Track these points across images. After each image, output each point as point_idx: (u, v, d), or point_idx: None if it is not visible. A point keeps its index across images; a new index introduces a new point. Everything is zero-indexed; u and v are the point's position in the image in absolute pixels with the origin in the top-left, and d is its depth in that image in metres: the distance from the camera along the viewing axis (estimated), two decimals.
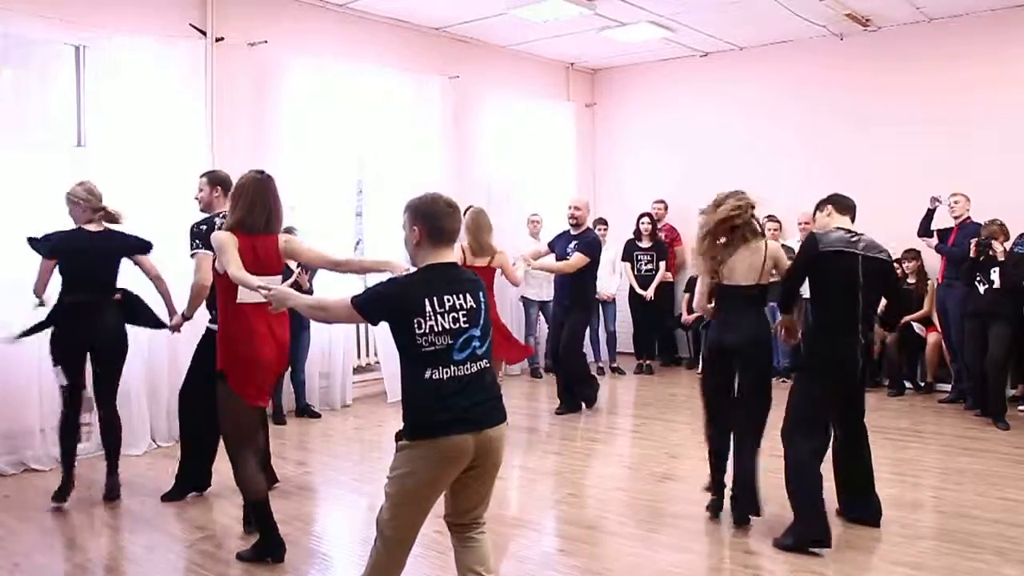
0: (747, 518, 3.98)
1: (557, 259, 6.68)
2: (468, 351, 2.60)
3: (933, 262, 7.18)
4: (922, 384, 7.39)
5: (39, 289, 4.41)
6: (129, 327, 4.64)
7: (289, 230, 6.17)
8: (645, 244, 8.59)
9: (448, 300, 2.58)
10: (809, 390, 3.81)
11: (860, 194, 7.80)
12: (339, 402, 6.92)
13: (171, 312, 4.63)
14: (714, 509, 4.10)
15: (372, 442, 5.97)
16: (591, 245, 6.55)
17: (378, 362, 7.39)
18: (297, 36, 6.73)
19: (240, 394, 3.49)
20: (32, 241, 4.44)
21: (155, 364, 5.63)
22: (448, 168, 7.75)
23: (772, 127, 8.59)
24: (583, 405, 6.77)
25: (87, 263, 4.42)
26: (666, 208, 8.93)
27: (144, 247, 4.61)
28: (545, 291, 7.98)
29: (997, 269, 6.12)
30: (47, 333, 4.43)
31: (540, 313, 8.32)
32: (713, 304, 4.02)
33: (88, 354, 4.47)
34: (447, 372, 2.56)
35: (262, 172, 3.66)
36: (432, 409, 2.54)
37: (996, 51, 7.36)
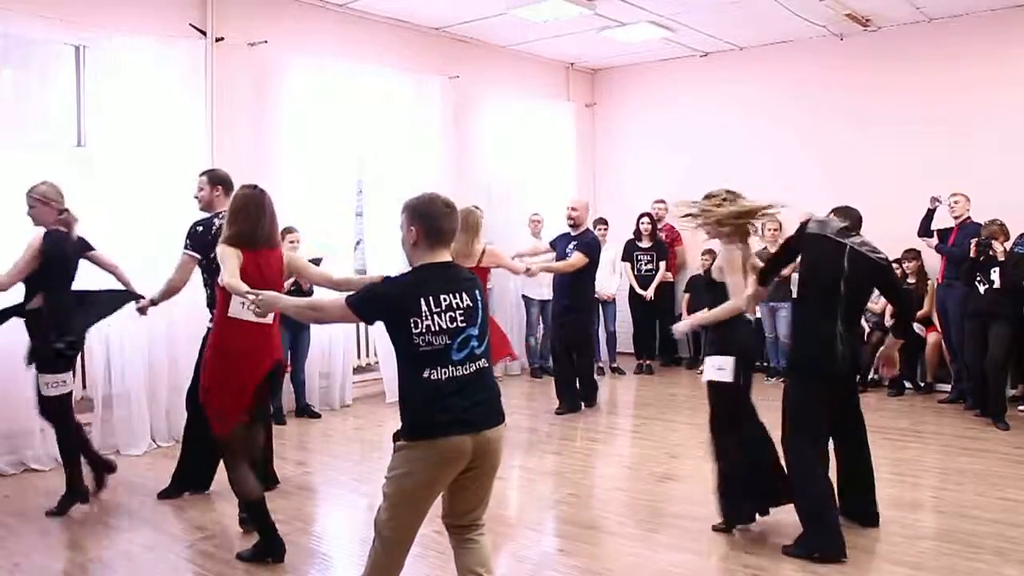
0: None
1: (557, 259, 6.70)
2: (466, 351, 2.59)
3: (933, 262, 7.18)
4: (922, 384, 7.39)
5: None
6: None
7: (289, 230, 6.22)
8: (645, 244, 8.59)
9: (444, 299, 2.57)
10: (799, 390, 3.77)
11: (860, 194, 7.86)
12: (339, 402, 6.92)
13: (136, 295, 4.58)
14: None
15: (372, 442, 5.97)
16: (590, 246, 6.57)
17: (378, 362, 7.39)
18: (297, 36, 6.73)
19: (217, 413, 3.51)
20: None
21: (155, 364, 5.63)
22: (448, 168, 7.75)
23: (772, 127, 8.58)
24: (583, 404, 6.79)
25: (70, 266, 4.36)
26: (666, 208, 8.92)
27: (90, 244, 4.55)
28: (546, 290, 7.98)
29: (997, 269, 6.12)
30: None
31: (540, 313, 8.32)
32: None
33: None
34: (445, 372, 2.55)
35: (255, 187, 3.63)
36: (430, 410, 2.53)
37: (996, 51, 7.36)
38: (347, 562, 3.77)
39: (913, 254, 7.27)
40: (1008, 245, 6.22)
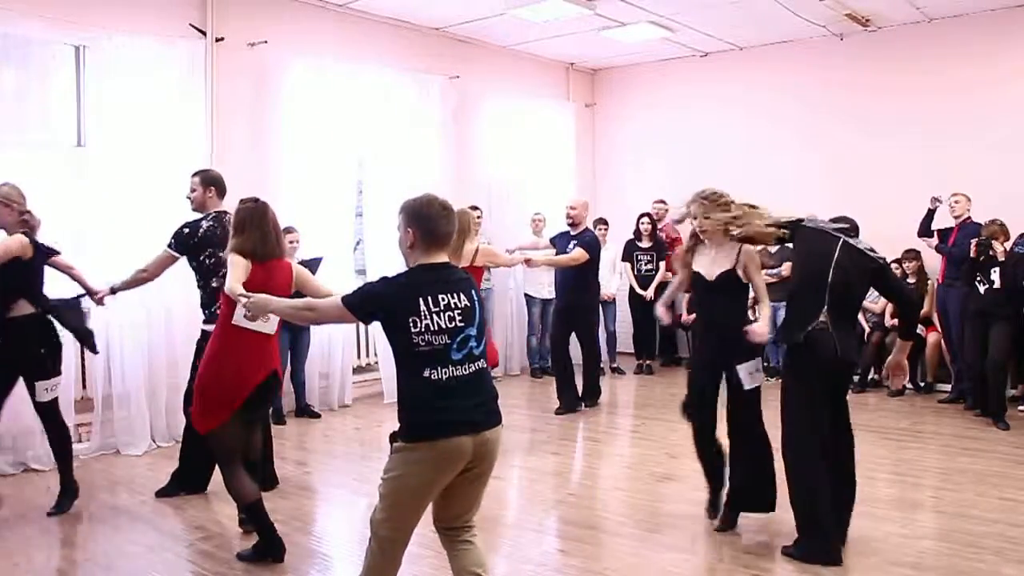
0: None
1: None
2: (465, 351, 2.59)
3: (933, 262, 7.18)
4: (922, 384, 7.38)
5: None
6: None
7: (289, 230, 6.22)
8: (645, 244, 8.59)
9: (443, 299, 2.57)
10: (793, 388, 3.66)
11: (860, 194, 7.91)
12: (338, 402, 6.92)
13: (90, 290, 4.51)
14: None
15: (372, 442, 5.96)
16: (590, 244, 6.58)
17: (377, 362, 7.38)
18: (297, 36, 6.73)
19: (200, 412, 3.52)
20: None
21: (154, 365, 5.63)
22: (448, 168, 7.76)
23: (772, 127, 8.58)
24: (583, 404, 6.79)
25: (40, 274, 4.31)
26: (667, 208, 8.92)
27: (54, 250, 4.45)
28: (547, 290, 7.98)
29: (997, 269, 6.12)
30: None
31: (542, 312, 8.31)
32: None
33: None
34: (446, 372, 2.54)
35: (256, 200, 3.64)
36: (431, 410, 2.53)
37: (996, 51, 7.36)
38: (347, 562, 3.76)
39: (913, 254, 7.27)
40: (1008, 245, 6.22)
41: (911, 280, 7.31)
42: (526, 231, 8.32)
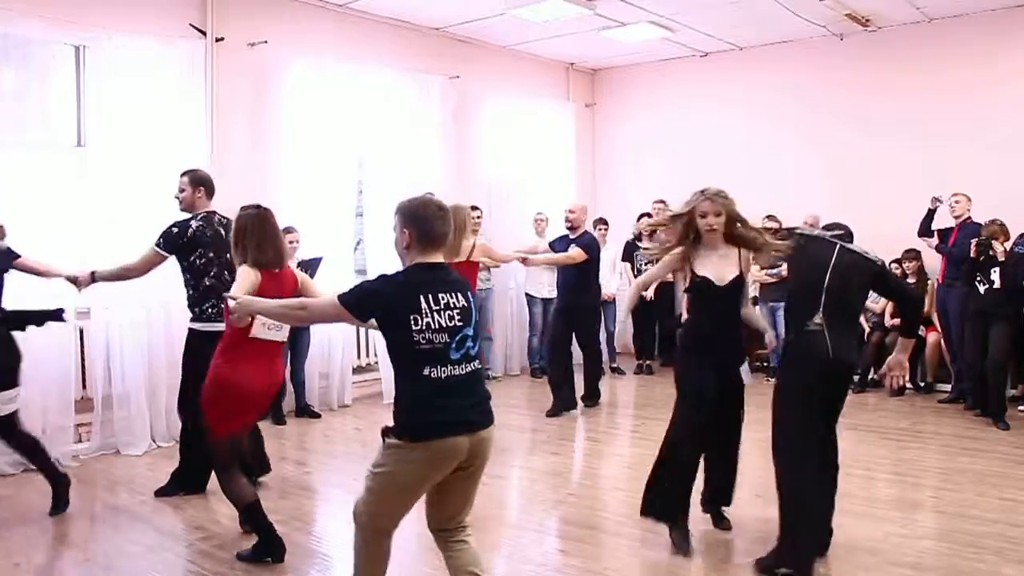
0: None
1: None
2: (463, 351, 2.60)
3: (933, 262, 7.18)
4: (922, 384, 7.39)
5: None
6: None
7: (289, 230, 6.22)
8: (645, 244, 8.58)
9: (443, 298, 2.58)
10: (785, 389, 3.54)
11: (860, 194, 7.92)
12: (338, 402, 6.92)
13: (69, 277, 4.49)
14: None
15: (372, 442, 5.93)
16: (588, 245, 6.56)
17: (377, 362, 7.38)
18: (297, 36, 6.73)
19: (209, 419, 3.53)
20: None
21: (154, 365, 5.63)
22: (448, 168, 7.76)
23: (772, 127, 8.59)
24: (583, 403, 6.78)
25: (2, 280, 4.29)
26: (666, 208, 8.92)
27: (15, 252, 4.42)
28: (547, 289, 7.98)
29: (997, 269, 6.12)
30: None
31: (543, 312, 8.31)
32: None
33: None
34: (444, 371, 2.55)
35: (259, 207, 3.64)
36: (430, 409, 2.53)
37: (996, 51, 7.36)
38: (347, 562, 3.73)
39: (913, 254, 7.27)
40: (1008, 245, 6.22)
41: (911, 280, 7.31)
42: (527, 231, 8.33)
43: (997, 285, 6.12)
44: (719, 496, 3.99)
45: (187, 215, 4.45)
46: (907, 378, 3.95)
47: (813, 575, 3.36)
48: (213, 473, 4.44)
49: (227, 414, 3.52)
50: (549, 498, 4.67)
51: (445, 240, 2.69)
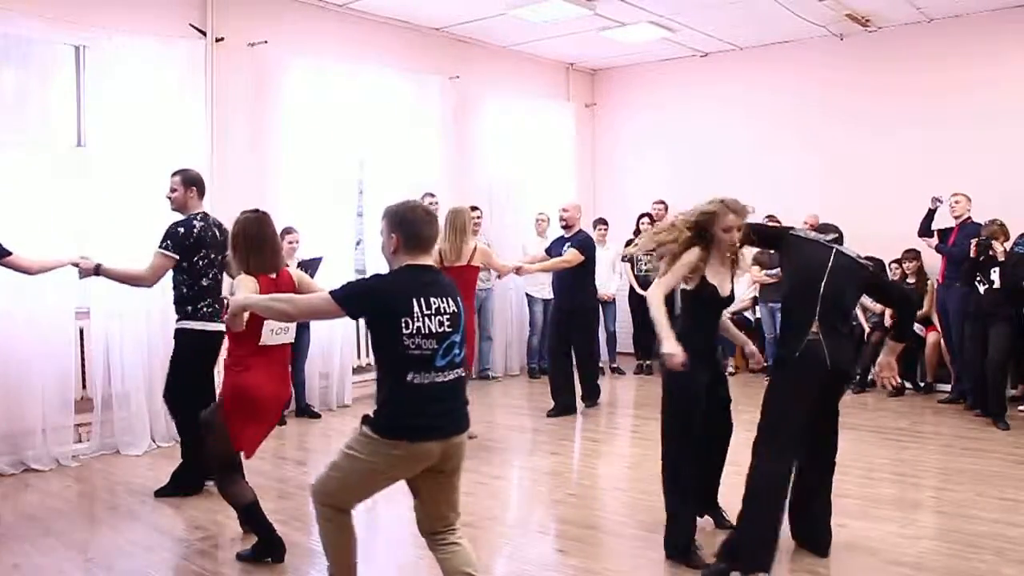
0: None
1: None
2: (449, 357, 2.62)
3: (933, 262, 7.18)
4: (922, 384, 7.39)
5: None
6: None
7: (288, 230, 6.22)
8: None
9: (434, 303, 2.59)
10: (780, 390, 3.50)
11: (860, 194, 7.91)
12: (338, 402, 6.92)
13: (72, 263, 4.42)
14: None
15: None
16: (583, 244, 6.52)
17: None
18: (297, 36, 6.73)
19: (233, 436, 3.51)
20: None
21: (154, 365, 5.62)
22: (448, 168, 7.76)
23: (772, 127, 8.59)
24: (584, 404, 6.77)
25: None
26: (666, 208, 8.91)
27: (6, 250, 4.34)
28: (547, 289, 7.97)
29: (997, 269, 6.12)
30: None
31: (544, 312, 8.31)
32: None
33: None
34: (428, 377, 2.57)
35: (257, 210, 3.61)
36: (407, 413, 2.57)
37: (996, 51, 7.36)
38: None
39: (913, 254, 7.27)
40: (1008, 245, 6.22)
41: (911, 280, 7.32)
42: (527, 231, 8.33)
43: (997, 285, 6.12)
44: (712, 497, 3.96)
45: (183, 215, 4.44)
46: (898, 378, 3.90)
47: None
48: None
49: (247, 424, 3.53)
50: (549, 498, 4.67)
51: (432, 244, 2.72)
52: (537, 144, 8.88)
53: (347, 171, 7.13)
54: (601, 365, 8.52)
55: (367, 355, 7.52)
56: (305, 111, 6.62)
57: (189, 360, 4.41)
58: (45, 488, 4.63)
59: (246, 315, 3.09)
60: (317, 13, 6.93)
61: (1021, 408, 6.52)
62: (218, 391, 3.81)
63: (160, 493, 4.54)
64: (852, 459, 5.17)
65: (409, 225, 2.64)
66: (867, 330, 7.49)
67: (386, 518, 4.19)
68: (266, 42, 6.44)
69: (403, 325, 2.53)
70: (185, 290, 4.38)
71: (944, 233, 6.87)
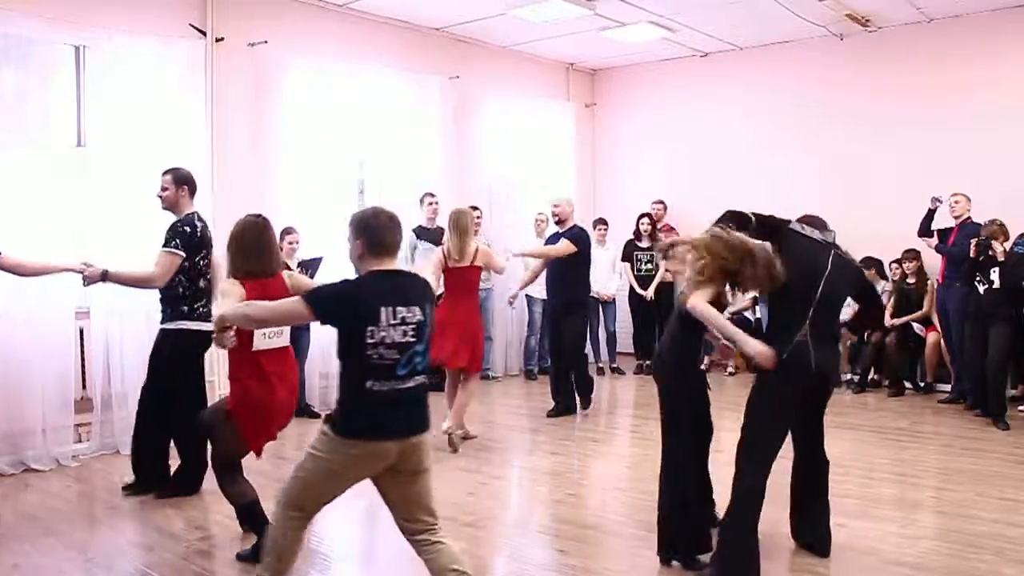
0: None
1: (548, 263, 6.62)
2: (410, 367, 2.65)
3: (933, 262, 7.18)
4: (922, 384, 7.39)
5: None
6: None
7: (289, 230, 6.22)
8: (645, 244, 8.59)
9: (400, 312, 2.61)
10: (764, 393, 3.42)
11: (860, 194, 7.91)
12: None
13: (73, 270, 4.34)
14: None
15: None
16: (577, 238, 6.44)
17: None
18: (297, 36, 6.74)
19: (246, 436, 3.52)
20: None
21: None
22: (448, 168, 7.76)
23: (772, 127, 8.59)
24: (578, 406, 6.75)
25: None
26: (665, 208, 8.94)
27: None
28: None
29: (997, 269, 6.12)
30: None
31: (543, 312, 8.30)
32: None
33: None
34: (388, 385, 2.60)
35: (259, 216, 3.62)
36: (364, 415, 2.61)
37: (996, 51, 7.36)
38: (347, 562, 3.77)
39: (913, 254, 7.27)
40: (1008, 245, 6.22)
41: (911, 280, 7.32)
42: (527, 231, 8.32)
43: (997, 285, 6.12)
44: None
45: (176, 215, 4.43)
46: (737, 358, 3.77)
47: None
48: (208, 474, 4.47)
49: (260, 429, 3.54)
50: (549, 498, 4.67)
51: (396, 249, 2.73)
52: (537, 144, 8.88)
53: (347, 171, 7.14)
54: (601, 365, 8.55)
55: None
56: (305, 111, 6.62)
57: (186, 360, 4.41)
58: (45, 488, 4.63)
59: (231, 331, 3.03)
60: (317, 13, 6.93)
61: (1021, 408, 6.52)
62: (220, 394, 3.80)
63: (161, 493, 4.54)
64: (852, 459, 5.17)
65: (372, 231, 2.68)
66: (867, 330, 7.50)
67: (387, 518, 4.17)
68: (266, 42, 6.44)
69: (368, 335, 2.56)
70: (182, 290, 4.37)
71: (944, 233, 6.87)
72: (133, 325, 5.53)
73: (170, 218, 4.48)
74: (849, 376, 7.61)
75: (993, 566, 3.53)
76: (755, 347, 3.25)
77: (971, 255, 6.22)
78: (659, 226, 8.76)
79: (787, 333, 3.34)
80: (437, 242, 7.02)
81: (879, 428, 6.08)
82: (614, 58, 9.34)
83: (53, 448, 5.13)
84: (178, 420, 4.46)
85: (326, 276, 6.01)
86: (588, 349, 8.38)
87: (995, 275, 6.13)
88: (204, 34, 6.14)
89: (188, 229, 4.34)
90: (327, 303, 2.65)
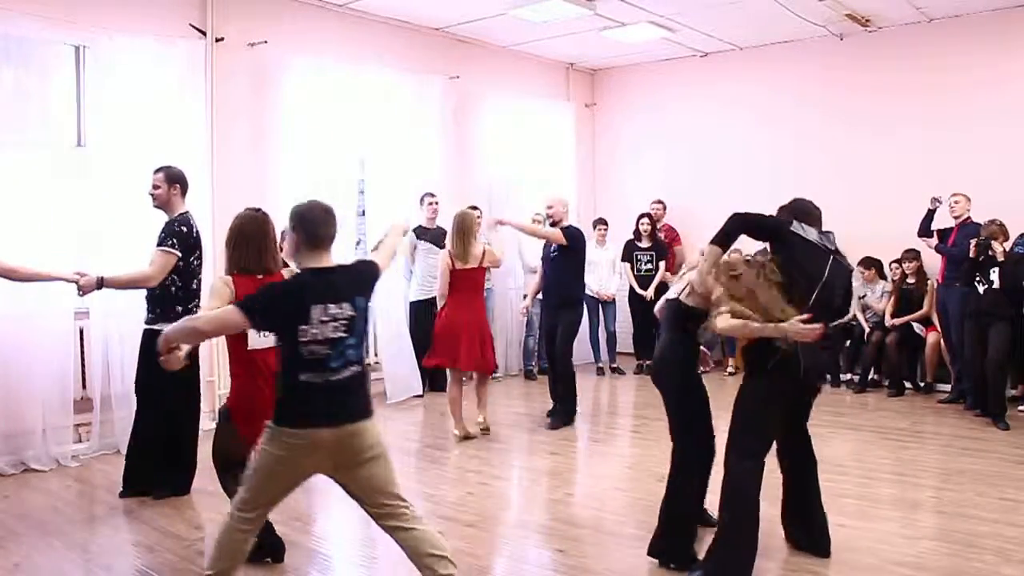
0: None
1: (544, 260, 6.61)
2: (343, 358, 2.70)
3: (933, 262, 7.18)
4: (922, 384, 7.38)
5: None
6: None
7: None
8: (645, 244, 8.59)
9: (331, 309, 2.66)
10: (752, 392, 3.42)
11: (860, 194, 7.91)
12: None
13: (67, 279, 4.26)
14: None
15: None
16: (571, 233, 6.35)
17: (378, 362, 7.38)
18: (297, 36, 6.73)
19: (243, 433, 3.49)
20: None
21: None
22: (448, 168, 7.77)
23: (772, 127, 8.58)
24: (580, 406, 6.70)
25: None
26: (665, 208, 8.94)
27: None
28: None
29: (997, 269, 6.12)
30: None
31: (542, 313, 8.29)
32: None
33: None
34: (321, 377, 2.66)
35: (259, 210, 3.59)
36: (297, 403, 2.66)
37: (996, 51, 7.35)
38: (347, 562, 3.77)
39: (913, 254, 7.27)
40: (1008, 245, 6.22)
41: (911, 280, 7.32)
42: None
43: (997, 285, 6.12)
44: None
45: (168, 214, 4.43)
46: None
47: None
48: (204, 474, 4.46)
49: (257, 427, 3.50)
50: (549, 498, 4.67)
51: (330, 242, 2.77)
52: (537, 144, 8.88)
53: (347, 171, 7.14)
54: (601, 365, 8.54)
55: (367, 355, 7.52)
56: (305, 111, 6.62)
57: (149, 363, 4.37)
58: (45, 488, 4.63)
59: (182, 351, 2.95)
60: (317, 13, 6.93)
61: (1021, 408, 6.52)
62: (220, 394, 3.79)
63: (160, 494, 4.53)
64: (852, 459, 5.18)
65: (308, 223, 2.73)
66: (867, 330, 7.50)
67: None
68: (266, 42, 6.44)
69: (300, 333, 2.62)
70: (175, 289, 4.36)
71: (944, 233, 6.87)
72: (133, 325, 5.51)
73: (165, 218, 4.48)
74: (849, 376, 7.64)
75: (993, 566, 3.53)
76: (796, 328, 3.16)
77: (971, 255, 6.22)
78: (659, 226, 8.76)
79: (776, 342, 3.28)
80: (437, 242, 7.03)
81: (879, 428, 6.08)
82: (614, 58, 9.34)
83: (53, 448, 5.13)
84: (172, 421, 4.46)
85: None
86: (588, 350, 8.42)
87: (995, 275, 6.13)
88: (204, 34, 6.14)
89: (184, 229, 4.34)
90: (260, 310, 2.68)
